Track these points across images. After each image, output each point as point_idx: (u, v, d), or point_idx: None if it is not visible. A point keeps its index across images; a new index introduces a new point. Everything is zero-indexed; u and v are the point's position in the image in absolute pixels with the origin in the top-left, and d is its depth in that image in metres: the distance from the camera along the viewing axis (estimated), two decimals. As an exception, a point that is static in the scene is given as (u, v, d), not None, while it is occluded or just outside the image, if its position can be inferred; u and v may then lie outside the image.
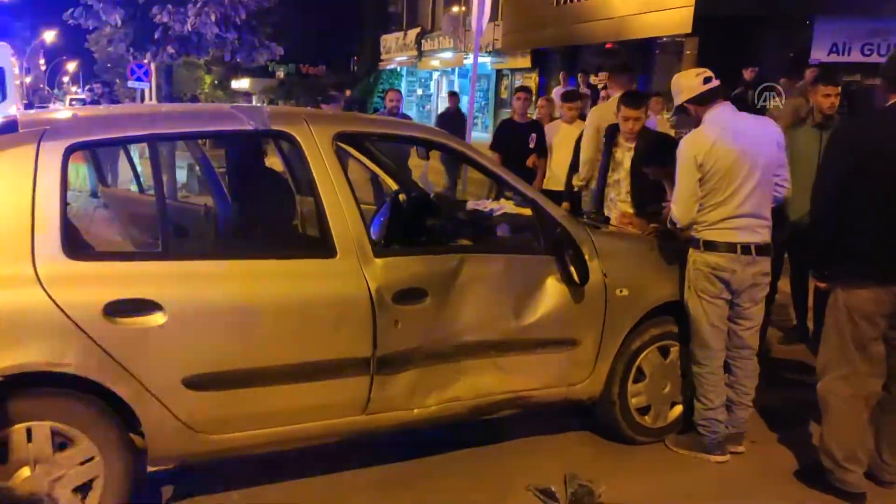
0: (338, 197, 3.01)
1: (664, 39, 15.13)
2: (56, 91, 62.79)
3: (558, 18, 17.70)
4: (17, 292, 2.47)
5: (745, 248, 3.45)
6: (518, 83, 22.15)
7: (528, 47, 20.06)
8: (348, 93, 22.19)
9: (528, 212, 3.69)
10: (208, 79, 45.07)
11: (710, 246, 3.48)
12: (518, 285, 3.40)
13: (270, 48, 10.74)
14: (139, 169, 4.01)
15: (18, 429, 2.51)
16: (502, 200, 4.28)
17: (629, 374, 3.70)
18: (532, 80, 20.22)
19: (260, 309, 2.84)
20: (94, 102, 9.12)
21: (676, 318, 3.72)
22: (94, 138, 2.88)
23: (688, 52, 14.17)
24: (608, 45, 16.73)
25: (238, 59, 10.84)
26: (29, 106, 22.62)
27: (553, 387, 3.53)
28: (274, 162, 4.27)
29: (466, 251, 3.48)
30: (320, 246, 3.02)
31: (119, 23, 9.96)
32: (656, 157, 3.94)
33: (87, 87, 9.91)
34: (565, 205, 5.20)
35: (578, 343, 3.52)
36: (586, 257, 3.43)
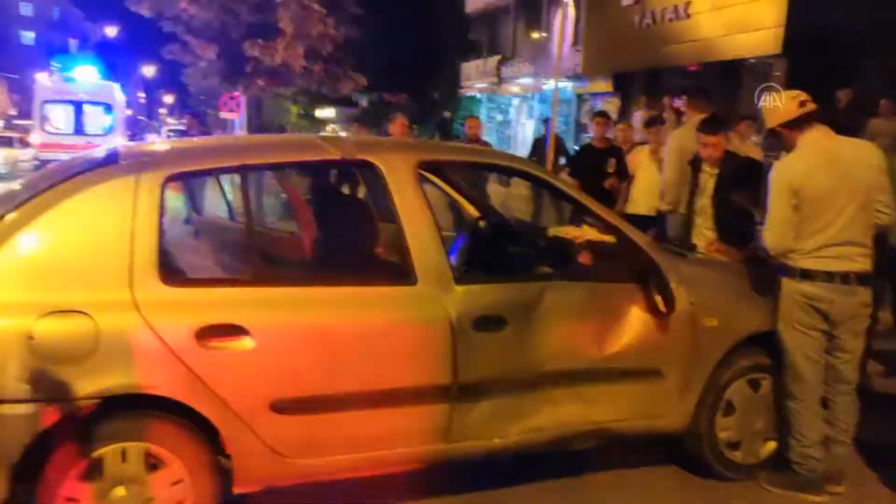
0: (419, 225, 3.04)
1: (752, 61, 14.71)
2: (154, 122, 66.10)
3: (641, 41, 17.46)
4: (116, 317, 2.58)
5: (844, 278, 3.29)
6: (599, 107, 21.98)
7: (610, 71, 19.86)
8: (448, 115, 22.26)
9: (610, 238, 3.64)
10: (294, 109, 46.52)
11: (806, 275, 3.33)
12: (601, 314, 3.34)
13: (354, 79, 11.03)
14: (229, 197, 4.16)
15: (114, 449, 2.61)
16: (584, 227, 4.22)
17: (718, 408, 3.57)
18: (613, 105, 19.98)
19: (342, 335, 2.88)
20: (185, 133, 9.65)
21: (768, 350, 3.57)
22: (189, 169, 3.01)
23: (776, 74, 13.72)
24: (692, 68, 16.41)
25: (324, 91, 11.16)
26: (133, 136, 24.25)
27: (637, 418, 3.44)
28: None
29: (547, 279, 3.45)
30: (402, 273, 3.05)
31: (213, 57, 10.43)
32: (741, 182, 3.82)
33: (183, 118, 10.81)
34: (651, 231, 5.10)
35: (664, 374, 3.42)
36: (672, 285, 3.34)
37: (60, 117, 18.03)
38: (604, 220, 3.54)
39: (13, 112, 62.57)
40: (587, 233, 4.12)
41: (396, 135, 7.90)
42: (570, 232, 4.20)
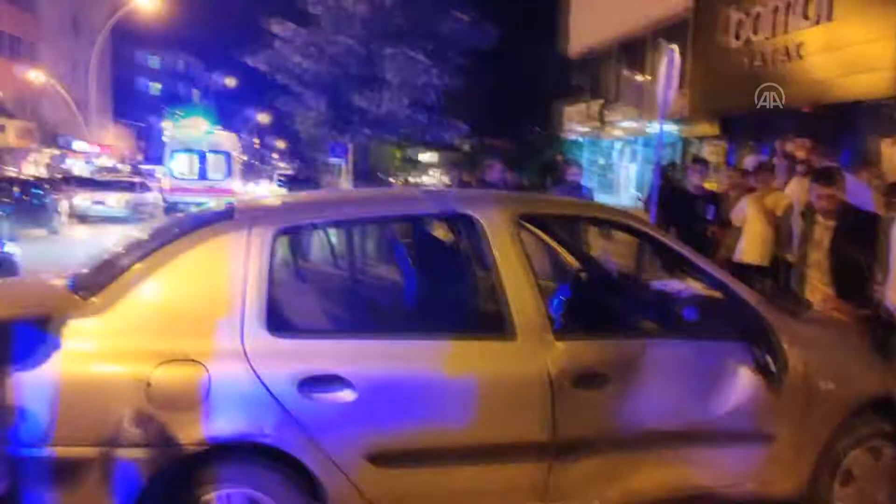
0: (518, 279, 3.04)
1: (868, 103, 14.01)
2: (266, 167, 69.39)
3: (750, 83, 16.96)
4: (226, 365, 2.69)
5: None
6: (706, 150, 21.41)
7: (717, 114, 19.36)
8: (559, 156, 22.25)
9: (717, 293, 3.51)
10: (398, 153, 47.83)
11: None
12: (707, 373, 3.22)
13: (456, 126, 11.26)
14: (336, 247, 4.29)
15: (219, 494, 2.70)
16: (689, 281, 4.10)
17: (835, 476, 3.35)
18: (721, 148, 19.44)
19: (441, 388, 2.90)
20: (294, 178, 10.17)
21: (892, 417, 3.33)
22: (297, 223, 3.15)
23: (894, 116, 13.02)
24: (806, 110, 15.79)
25: (427, 138, 11.45)
26: (247, 180, 26.32)
27: (746, 484, 3.27)
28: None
29: (651, 335, 3.36)
30: (501, 327, 3.04)
31: (323, 108, 10.91)
32: (860, 236, 3.62)
33: (293, 164, 11.77)
34: (766, 282, 4.90)
35: (775, 438, 3.25)
36: (784, 345, 3.18)
37: (186, 164, 20.29)
38: (709, 275, 3.43)
39: (139, 157, 67.28)
40: (692, 287, 4.00)
41: (494, 180, 7.99)
42: (674, 285, 4.08)
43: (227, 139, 21.40)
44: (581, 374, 2.99)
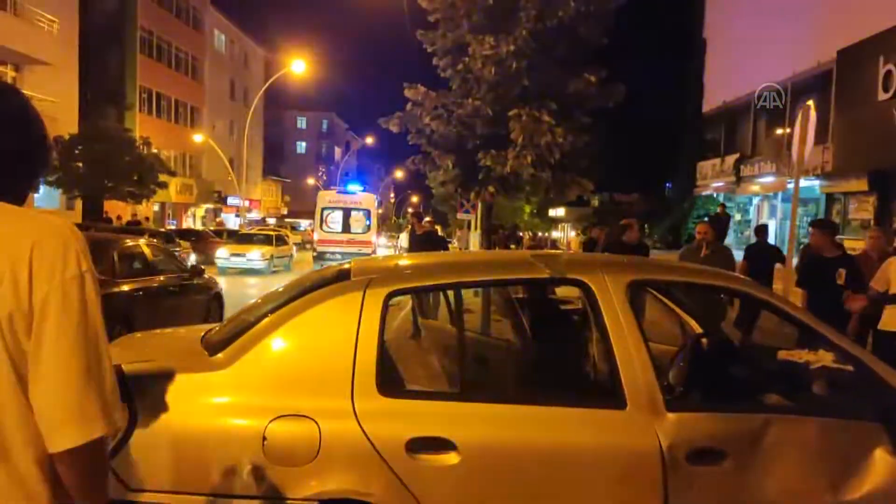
0: (629, 347, 2.98)
1: None
2: (401, 220, 71.71)
3: (901, 137, 15.92)
4: (337, 424, 2.78)
5: None
6: (852, 207, 20.12)
7: (864, 169, 18.21)
8: (720, 209, 21.67)
9: (850, 368, 3.28)
10: (527, 208, 48.09)
11: None
12: (837, 455, 2.99)
13: (580, 184, 11.23)
14: (452, 308, 4.36)
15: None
16: (821, 352, 3.84)
17: None
18: (870, 205, 18.21)
19: (547, 457, 2.86)
20: (429, 233, 10.66)
21: None
22: (410, 286, 3.25)
23: None
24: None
25: (551, 195, 11.47)
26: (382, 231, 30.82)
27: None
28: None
29: (774, 410, 3.17)
30: (611, 396, 2.98)
31: (450, 167, 11.21)
32: None
33: (427, 218, 12.41)
34: None
35: (916, 531, 2.95)
36: (924, 427, 2.92)
37: (334, 220, 24.02)
38: (840, 349, 3.22)
39: (284, 211, 71.34)
40: (823, 358, 3.75)
41: (632, 240, 7.88)
42: (803, 356, 3.84)
43: (366, 199, 25.33)
44: (695, 448, 2.86)
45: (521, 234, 44.88)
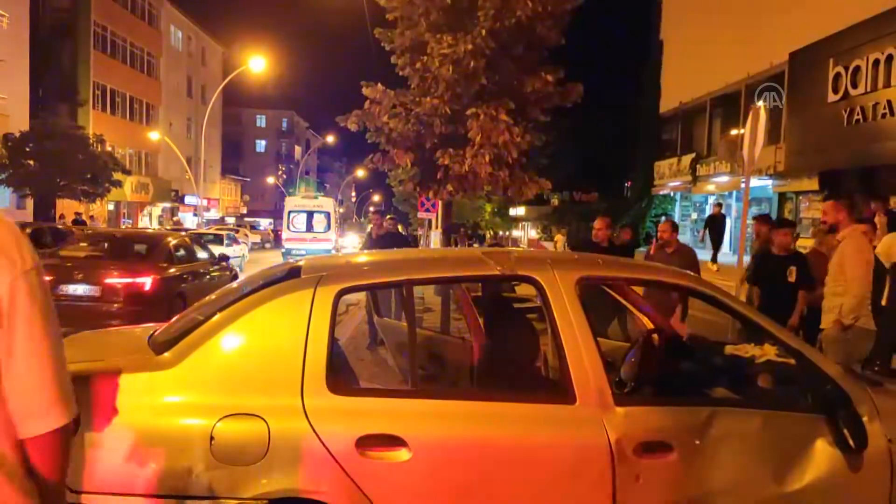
0: (579, 342, 3.01)
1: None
2: (362, 220, 71.41)
3: (850, 138, 16.35)
4: (286, 422, 2.76)
5: None
6: (804, 206, 20.61)
7: (815, 169, 18.68)
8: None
9: (793, 361, 3.36)
10: (489, 207, 48.32)
11: None
12: (780, 447, 3.06)
13: (538, 183, 11.29)
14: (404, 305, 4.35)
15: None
16: (766, 346, 3.94)
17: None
18: (821, 204, 18.69)
19: (497, 453, 2.87)
20: (392, 234, 10.67)
21: None
22: (360, 283, 3.23)
23: None
24: (913, 164, 15.05)
25: (509, 194, 11.52)
26: (343, 231, 32.92)
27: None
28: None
29: (719, 403, 3.24)
30: (561, 391, 3.01)
31: (408, 165, 11.17)
32: None
33: (389, 216, 12.48)
34: None
35: (856, 519, 3.04)
36: (864, 418, 3.01)
37: (299, 222, 27.69)
38: (783, 343, 3.30)
39: (244, 210, 70.50)
40: (768, 352, 3.84)
41: (600, 239, 7.93)
42: (749, 350, 3.93)
43: (326, 203, 29.25)
44: (642, 441, 2.90)
45: (482, 232, 45.04)
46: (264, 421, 2.73)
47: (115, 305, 9.06)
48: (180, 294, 10.08)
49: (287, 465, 2.73)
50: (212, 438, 2.68)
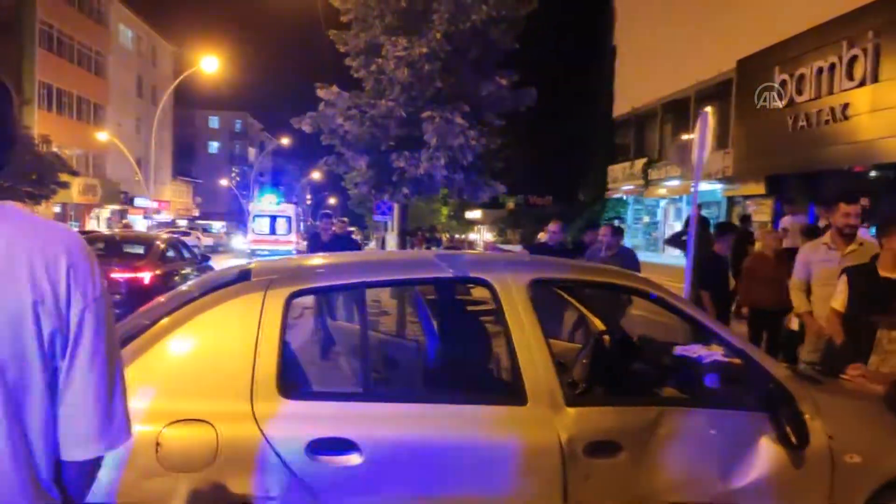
0: (531, 344, 3.03)
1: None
2: (317, 223, 70.71)
3: (795, 144, 16.84)
4: (235, 427, 2.72)
5: None
6: (751, 209, 21.15)
7: (762, 173, 19.20)
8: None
9: (738, 362, 3.44)
10: (444, 210, 48.44)
11: None
12: (725, 444, 3.13)
13: (493, 187, 11.37)
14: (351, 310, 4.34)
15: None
16: (713, 346, 4.02)
17: (864, 555, 3.19)
18: (767, 207, 19.20)
19: (450, 454, 2.87)
20: (340, 237, 10.31)
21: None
22: (313, 286, 3.21)
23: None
24: (858, 169, 15.55)
25: (464, 197, 11.58)
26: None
27: (768, 563, 3.13)
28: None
29: (667, 403, 3.30)
30: (512, 393, 3.03)
31: (364, 168, 11.15)
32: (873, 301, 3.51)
33: (342, 218, 12.52)
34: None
35: (798, 514, 3.12)
36: (806, 416, 3.09)
37: (263, 225, 29.53)
38: (728, 344, 3.37)
39: (196, 213, 69.31)
40: (714, 353, 3.92)
41: (552, 241, 8.01)
42: (696, 351, 4.01)
43: (288, 208, 31.21)
44: (593, 441, 2.94)
45: (439, 235, 45.11)
46: (213, 427, 2.68)
47: (117, 297, 9.81)
48: (170, 290, 10.63)
49: (237, 471, 2.69)
50: (158, 445, 2.62)
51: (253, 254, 27.23)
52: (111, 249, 11.61)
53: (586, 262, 7.37)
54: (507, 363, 3.09)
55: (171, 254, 11.97)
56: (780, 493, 3.11)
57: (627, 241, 8.46)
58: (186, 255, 12.79)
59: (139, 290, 10.07)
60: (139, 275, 10.31)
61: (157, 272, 10.68)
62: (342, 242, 10.00)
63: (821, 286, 4.76)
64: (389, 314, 10.35)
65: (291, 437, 2.74)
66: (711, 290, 6.36)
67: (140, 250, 11.53)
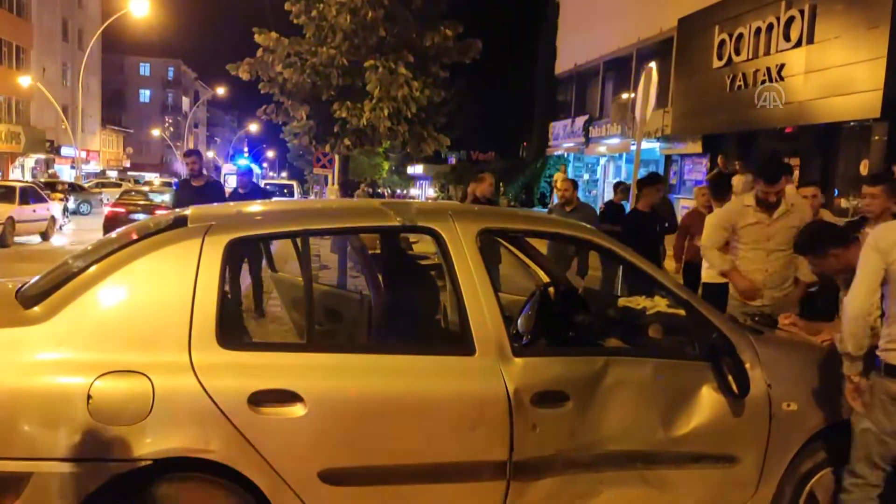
0: (478, 294, 2.98)
1: (850, 124, 14.15)
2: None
3: (731, 104, 17.12)
4: (172, 379, 2.61)
5: None
6: (689, 168, 21.55)
7: (699, 133, 19.51)
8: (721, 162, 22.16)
9: (682, 312, 3.47)
10: (386, 165, 47.94)
11: (892, 371, 3.05)
12: (669, 393, 3.17)
13: (438, 140, 11.24)
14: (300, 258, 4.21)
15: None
16: (657, 298, 4.06)
17: (799, 499, 3.30)
18: (703, 166, 19.59)
19: (396, 405, 2.83)
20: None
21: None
22: (254, 233, 3.07)
23: (875, 138, 13.14)
24: (788, 130, 15.92)
25: (408, 150, 11.43)
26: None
27: (708, 507, 3.21)
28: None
29: (612, 353, 3.31)
30: (460, 343, 2.99)
31: (304, 118, 10.85)
32: (814, 245, 3.55)
33: (282, 173, 12.18)
34: None
35: (738, 460, 3.20)
36: (747, 365, 3.15)
37: (232, 180, 30.58)
38: (674, 294, 3.40)
39: (127, 164, 66.88)
40: (658, 304, 3.96)
41: (486, 194, 7.93)
42: (640, 302, 4.05)
43: (251, 169, 33.14)
44: (540, 391, 2.93)
45: (381, 190, 44.69)
46: (148, 378, 2.56)
47: None
48: None
49: (173, 424, 2.58)
50: (89, 397, 2.49)
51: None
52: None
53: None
54: (456, 313, 3.04)
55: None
56: (720, 440, 3.17)
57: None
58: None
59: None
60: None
61: None
62: (211, 191, 7.21)
63: (750, 249, 4.78)
64: (330, 268, 10.21)
65: (232, 388, 2.65)
66: (634, 246, 6.49)
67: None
